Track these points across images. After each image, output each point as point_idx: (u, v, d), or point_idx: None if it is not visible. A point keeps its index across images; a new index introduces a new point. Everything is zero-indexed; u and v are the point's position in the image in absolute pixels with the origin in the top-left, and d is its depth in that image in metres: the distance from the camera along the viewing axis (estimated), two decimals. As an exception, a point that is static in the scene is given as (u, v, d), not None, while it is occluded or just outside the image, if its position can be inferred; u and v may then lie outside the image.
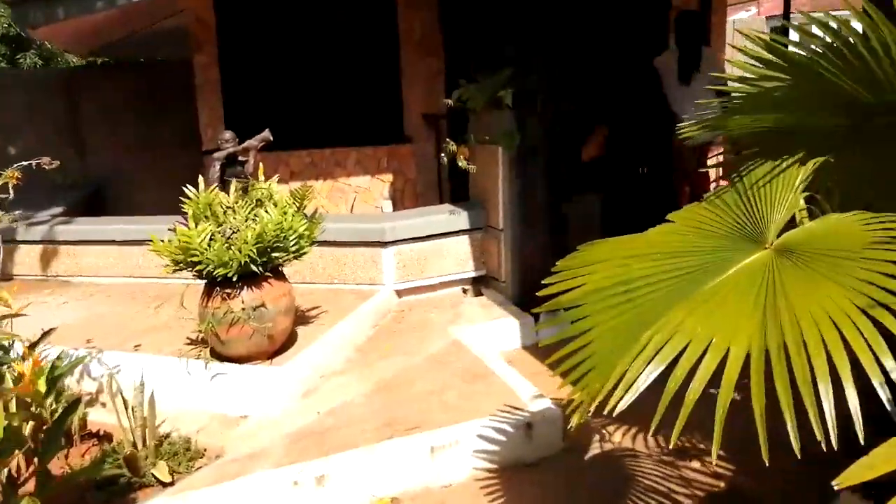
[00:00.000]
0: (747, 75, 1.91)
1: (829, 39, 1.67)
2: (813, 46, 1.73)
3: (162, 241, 3.53)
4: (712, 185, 5.04)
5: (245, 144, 3.94)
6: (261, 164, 3.92)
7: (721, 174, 4.72)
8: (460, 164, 4.60)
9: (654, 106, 4.31)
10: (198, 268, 3.50)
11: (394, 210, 6.69)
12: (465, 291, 4.92)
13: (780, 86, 1.85)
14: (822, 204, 1.91)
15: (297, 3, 6.57)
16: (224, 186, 3.85)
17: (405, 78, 6.52)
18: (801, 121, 1.88)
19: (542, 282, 2.05)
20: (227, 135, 3.95)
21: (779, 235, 1.84)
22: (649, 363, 1.59)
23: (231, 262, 3.42)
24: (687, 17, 5.54)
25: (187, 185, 3.70)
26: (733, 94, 2.15)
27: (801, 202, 1.86)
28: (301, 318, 4.20)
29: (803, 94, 1.83)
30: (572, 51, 4.20)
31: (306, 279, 4.91)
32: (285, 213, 3.73)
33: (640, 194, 4.40)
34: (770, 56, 1.80)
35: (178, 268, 3.54)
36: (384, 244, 4.68)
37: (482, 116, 4.67)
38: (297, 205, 3.90)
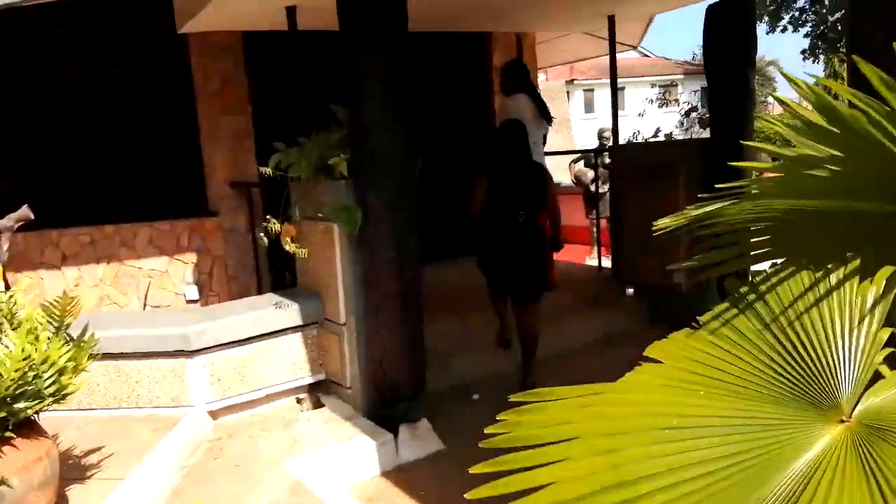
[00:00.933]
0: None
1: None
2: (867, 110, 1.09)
3: None
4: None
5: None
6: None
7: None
8: (287, 247, 3.67)
9: (525, 154, 4.11)
10: None
11: (200, 297, 5.54)
12: (299, 401, 3.94)
13: (823, 157, 1.21)
14: None
15: (69, 48, 5.32)
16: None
17: (205, 138, 5.47)
18: (855, 206, 1.24)
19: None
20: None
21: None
22: None
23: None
24: (519, 65, 5.73)
25: None
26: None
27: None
28: (74, 469, 3.02)
29: (859, 170, 1.20)
30: (416, 106, 3.49)
31: (82, 405, 3.70)
32: (37, 339, 2.58)
33: (519, 240, 4.06)
34: (817, 118, 1.15)
35: None
36: (190, 353, 3.60)
37: (309, 187, 3.80)
38: (56, 324, 2.76)
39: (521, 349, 4.30)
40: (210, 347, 3.62)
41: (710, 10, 4.78)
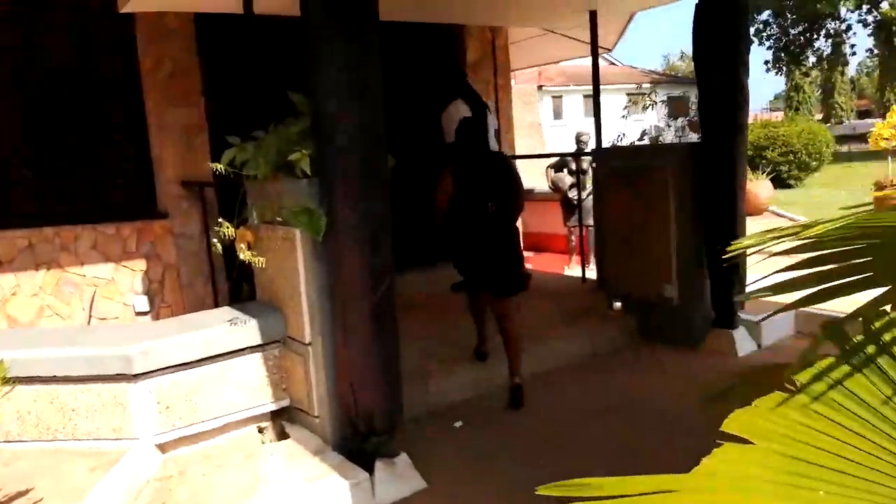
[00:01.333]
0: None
1: None
2: None
3: None
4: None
5: None
6: None
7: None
8: (241, 255, 3.23)
9: (484, 145, 4.03)
10: None
11: (151, 309, 5.04)
12: (261, 431, 3.49)
13: None
14: None
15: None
16: None
17: (153, 132, 4.97)
18: None
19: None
20: None
21: None
22: None
23: None
24: (453, 69, 5.33)
25: None
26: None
27: None
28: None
29: None
30: (386, 101, 3.07)
31: (11, 436, 3.22)
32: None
33: (492, 232, 3.93)
34: None
35: None
36: (133, 377, 3.12)
37: (267, 186, 3.36)
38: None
39: (505, 350, 4.01)
40: (156, 371, 3.14)
41: (700, 7, 4.47)
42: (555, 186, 7.88)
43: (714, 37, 4.38)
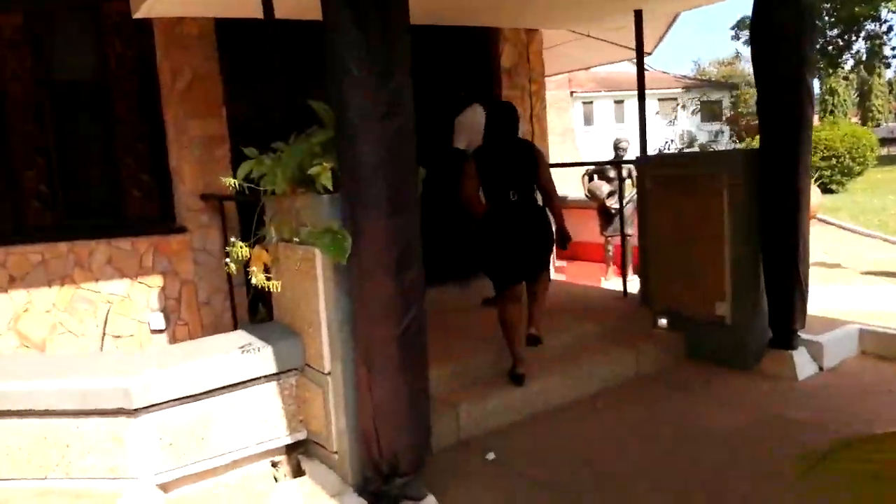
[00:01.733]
0: None
1: None
2: None
3: None
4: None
5: None
6: None
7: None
8: (254, 279, 2.94)
9: (513, 133, 4.04)
10: None
11: (167, 326, 4.81)
12: (275, 466, 3.20)
13: None
14: None
15: (12, 38, 4.61)
16: None
17: (172, 143, 4.74)
18: None
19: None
20: None
21: None
22: None
23: None
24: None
25: None
26: None
27: None
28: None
29: None
30: (417, 108, 2.77)
31: (1, 473, 2.96)
32: None
33: (521, 219, 3.93)
34: None
35: None
36: (133, 412, 2.85)
37: (286, 202, 3.08)
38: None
39: (531, 313, 4.07)
40: (158, 404, 2.86)
41: (760, 1, 4.11)
42: (592, 195, 7.51)
43: (776, 29, 3.99)
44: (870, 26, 26.52)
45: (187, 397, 2.91)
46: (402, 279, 2.67)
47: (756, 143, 4.76)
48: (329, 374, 2.95)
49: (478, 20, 5.58)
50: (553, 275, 6.40)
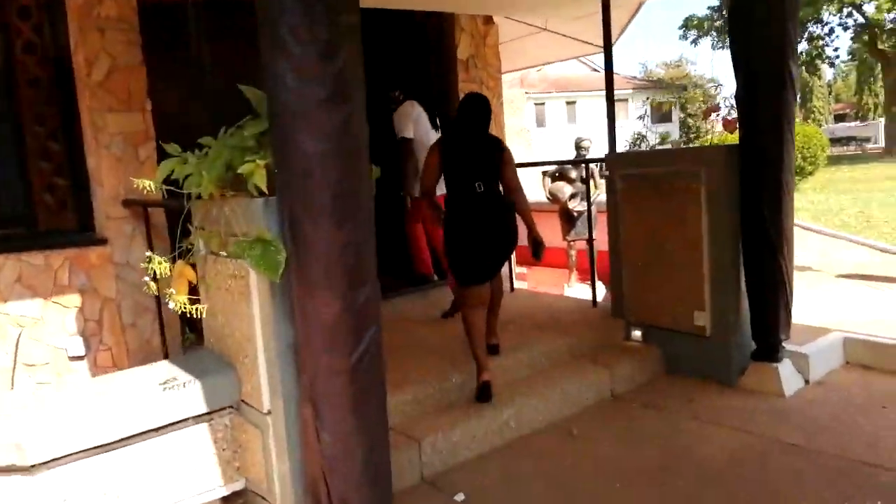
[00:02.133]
0: None
1: None
2: None
3: None
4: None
5: None
6: None
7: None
8: (172, 304, 2.46)
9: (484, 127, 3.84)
10: None
11: (87, 352, 4.25)
12: (206, 521, 2.71)
13: None
14: None
15: None
16: None
17: (89, 141, 4.17)
18: None
19: None
20: None
21: None
22: None
23: None
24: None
25: None
26: None
27: None
28: None
29: None
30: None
31: None
32: None
33: (487, 212, 3.75)
34: None
35: None
36: (29, 469, 2.33)
37: (215, 207, 2.60)
38: None
39: (490, 316, 3.92)
40: (62, 458, 2.35)
41: None
42: (553, 196, 7.16)
43: (757, 14, 3.68)
44: (812, 28, 27.07)
45: (97, 448, 2.40)
46: (354, 299, 2.22)
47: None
48: (269, 413, 2.48)
49: (431, 4, 5.17)
50: (516, 283, 6.04)
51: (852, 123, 40.64)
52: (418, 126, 5.14)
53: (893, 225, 9.72)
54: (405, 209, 5.32)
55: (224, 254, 2.46)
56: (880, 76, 33.65)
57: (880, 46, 26.57)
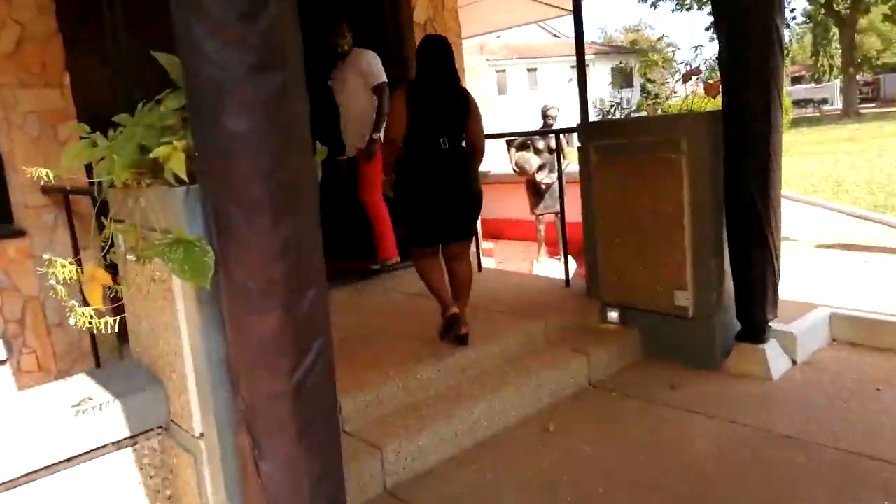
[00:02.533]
0: None
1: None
2: None
3: None
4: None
5: None
6: None
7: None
8: (72, 317, 2.07)
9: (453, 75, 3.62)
10: None
11: (9, 356, 3.82)
12: (137, 559, 2.35)
13: None
14: None
15: None
16: None
17: (1, 123, 3.70)
18: None
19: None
20: None
21: None
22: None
23: None
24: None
25: None
26: None
27: None
28: None
29: None
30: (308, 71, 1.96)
31: None
32: None
33: (450, 169, 3.54)
34: None
35: None
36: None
37: (129, 198, 2.21)
38: None
39: (456, 294, 3.65)
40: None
41: None
42: (520, 168, 6.82)
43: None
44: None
45: (-6, 487, 2.03)
46: (296, 307, 1.86)
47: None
48: (201, 436, 2.12)
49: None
50: (483, 260, 5.72)
51: (809, 85, 40.95)
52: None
53: (865, 189, 9.64)
54: (358, 175, 4.92)
55: (133, 258, 2.08)
56: (836, 38, 33.88)
57: (836, 7, 26.62)
